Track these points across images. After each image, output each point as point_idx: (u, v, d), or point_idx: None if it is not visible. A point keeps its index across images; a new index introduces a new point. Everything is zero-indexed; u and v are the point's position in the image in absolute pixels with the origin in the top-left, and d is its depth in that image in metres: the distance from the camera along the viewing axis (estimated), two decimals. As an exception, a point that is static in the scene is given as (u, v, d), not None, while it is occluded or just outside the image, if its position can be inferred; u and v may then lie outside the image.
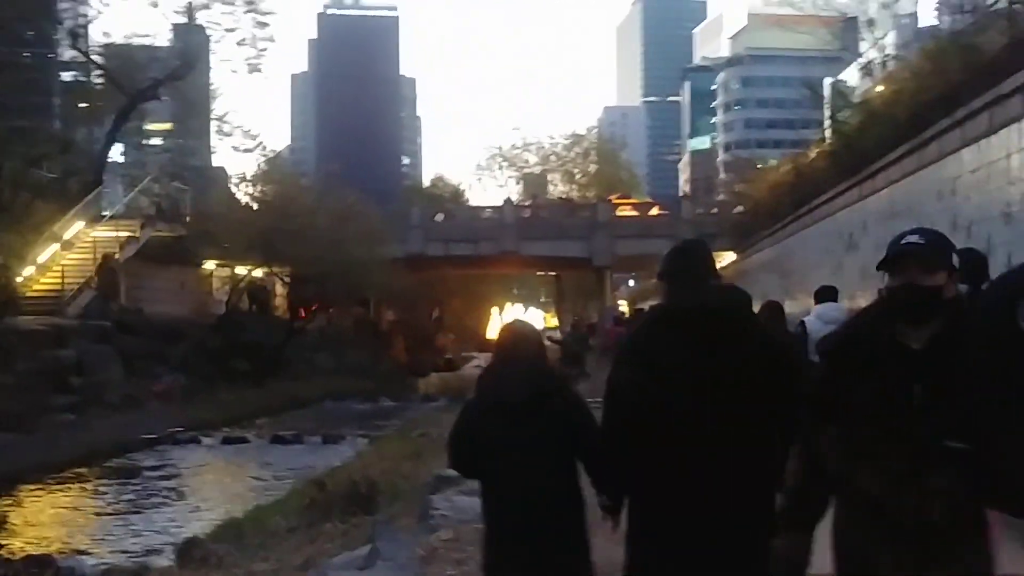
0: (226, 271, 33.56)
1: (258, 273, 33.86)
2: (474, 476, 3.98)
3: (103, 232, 28.16)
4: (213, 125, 59.45)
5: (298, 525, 9.45)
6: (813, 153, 22.82)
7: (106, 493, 13.99)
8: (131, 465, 16.50)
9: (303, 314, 34.10)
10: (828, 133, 22.31)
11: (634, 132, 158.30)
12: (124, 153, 40.20)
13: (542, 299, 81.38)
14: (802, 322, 8.61)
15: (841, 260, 19.06)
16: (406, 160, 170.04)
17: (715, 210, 39.35)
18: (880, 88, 19.22)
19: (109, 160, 34.76)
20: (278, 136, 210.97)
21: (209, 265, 32.52)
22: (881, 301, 2.78)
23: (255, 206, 29.37)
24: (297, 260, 28.84)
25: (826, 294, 8.98)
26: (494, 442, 3.68)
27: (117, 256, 27.78)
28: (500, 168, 58.07)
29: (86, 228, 27.89)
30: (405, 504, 9.47)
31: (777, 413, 2.95)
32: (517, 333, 3.95)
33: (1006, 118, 11.05)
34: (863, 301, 15.52)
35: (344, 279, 29.37)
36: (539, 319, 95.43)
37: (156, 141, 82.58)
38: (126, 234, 28.91)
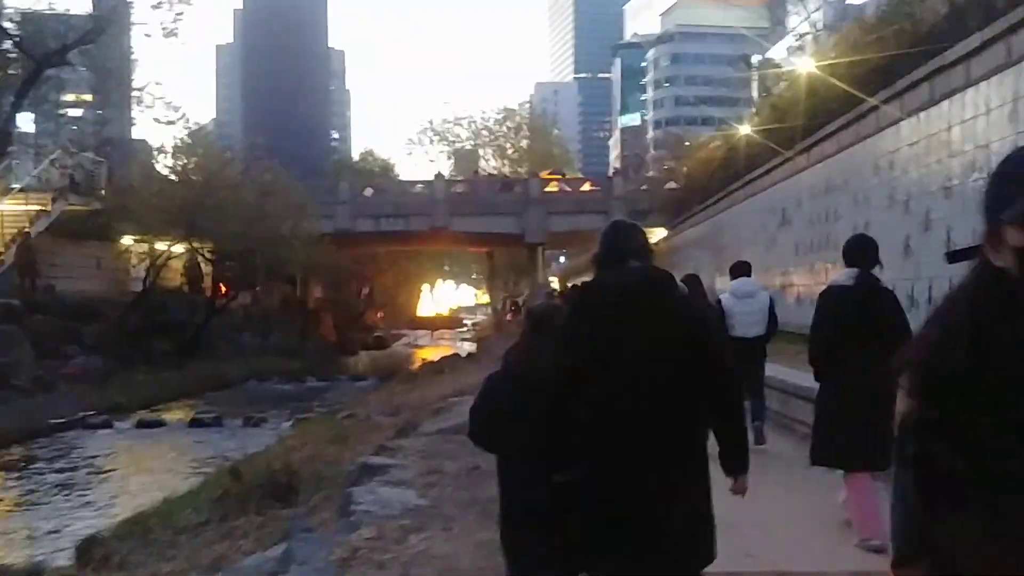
0: (145, 247, 32.24)
1: (179, 249, 32.59)
2: (492, 449, 4.02)
3: (11, 206, 26.71)
4: (134, 96, 57.61)
5: (210, 519, 8.79)
6: (745, 128, 22.56)
7: (3, 484, 13.06)
8: (34, 453, 15.54)
9: (225, 292, 32.95)
10: (761, 106, 22.08)
11: (566, 108, 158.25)
12: (36, 123, 38.15)
13: (474, 276, 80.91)
14: (719, 299, 9.14)
15: (775, 236, 18.88)
16: (335, 134, 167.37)
17: (646, 186, 39.19)
18: (814, 61, 18.98)
19: (21, 131, 33.07)
20: (203, 109, 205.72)
21: (127, 241, 31.14)
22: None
23: (175, 179, 27.90)
24: (219, 235, 27.73)
25: (740, 269, 9.44)
26: (513, 413, 3.74)
27: (28, 231, 26.42)
28: (431, 142, 57.18)
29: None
30: (327, 495, 8.86)
31: (697, 375, 3.24)
32: (549, 313, 4.01)
33: (948, 89, 10.80)
34: (796, 277, 15.14)
35: (268, 255, 28.38)
36: (471, 296, 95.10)
37: (76, 112, 79.87)
38: (36, 208, 27.48)
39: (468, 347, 43.29)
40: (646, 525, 3.21)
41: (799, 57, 20.76)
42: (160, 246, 33.00)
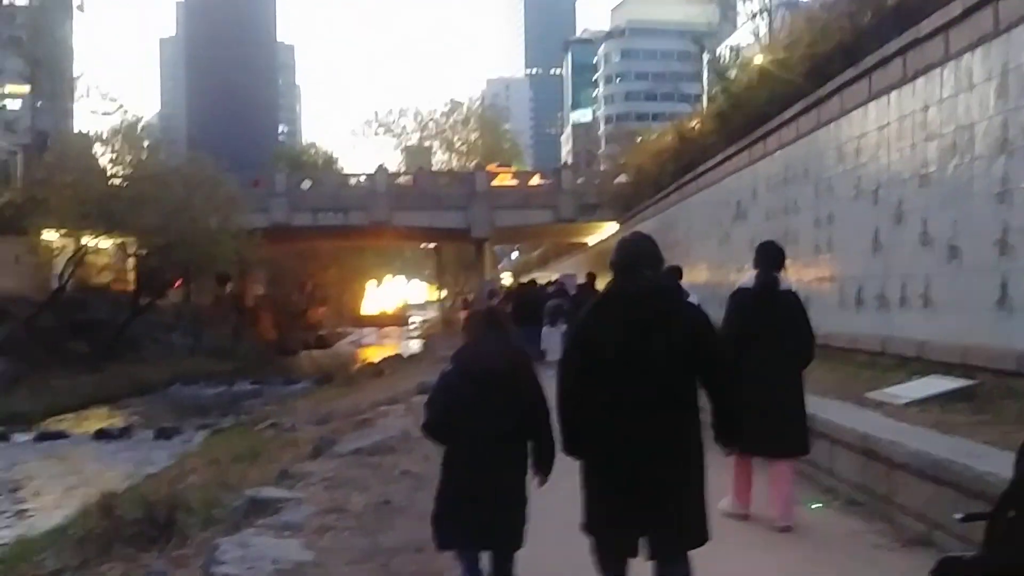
0: (69, 242, 30.26)
1: (106, 244, 30.69)
2: (443, 438, 4.50)
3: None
4: (72, 88, 55.09)
5: (65, 568, 7.32)
6: (698, 117, 21.43)
7: None
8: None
9: (147, 290, 31.11)
10: (714, 94, 20.91)
11: (517, 104, 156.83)
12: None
13: (427, 272, 79.02)
14: (697, 306, 8.76)
15: (728, 230, 17.71)
16: (283, 128, 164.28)
17: (596, 180, 37.97)
18: (769, 42, 17.87)
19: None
20: (148, 104, 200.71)
21: (50, 235, 29.15)
22: None
23: (92, 169, 26.04)
24: (139, 229, 25.93)
25: (671, 273, 9.49)
26: (471, 405, 4.33)
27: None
28: (376, 134, 55.47)
29: None
30: (203, 540, 7.43)
31: (700, 362, 3.88)
32: (492, 317, 4.68)
33: (923, 64, 9.64)
34: (751, 274, 13.98)
35: (193, 250, 26.64)
36: (422, 292, 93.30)
37: (14, 105, 76.91)
38: (-62, 200, 25.57)
39: (415, 345, 41.80)
40: (652, 506, 3.73)
41: (752, 39, 19.64)
42: (87, 241, 31.13)
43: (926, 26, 9.50)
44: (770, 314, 6.02)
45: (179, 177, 27.73)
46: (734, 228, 17.32)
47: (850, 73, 11.62)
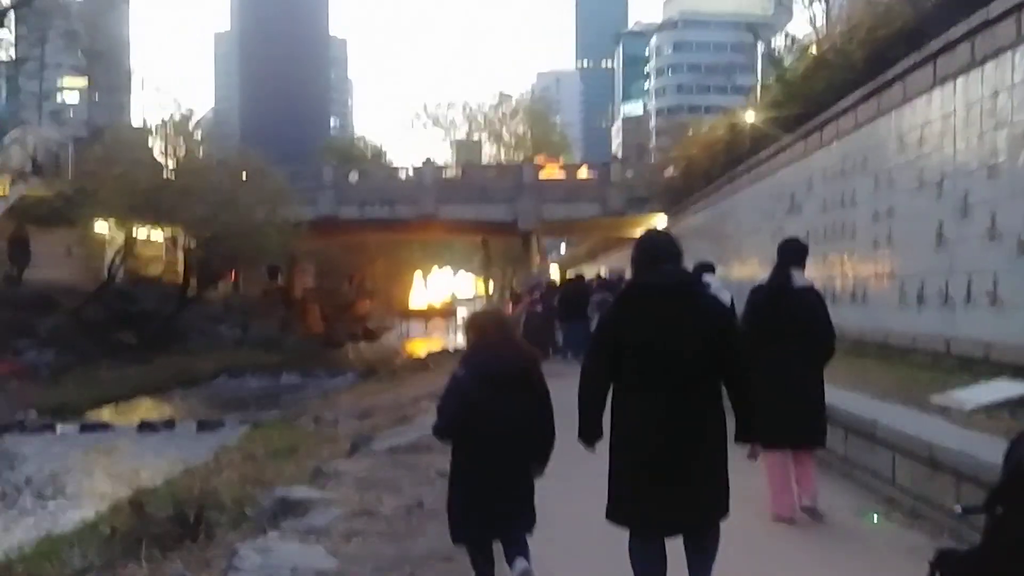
0: (121, 234, 30.50)
1: (157, 236, 30.92)
2: (455, 438, 4.63)
3: (-36, 189, 25.02)
4: (127, 82, 55.84)
5: (91, 566, 7.12)
6: (751, 107, 20.80)
7: None
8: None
9: (198, 281, 31.22)
10: (768, 83, 20.26)
11: (567, 97, 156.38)
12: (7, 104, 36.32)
13: (475, 265, 78.81)
14: (715, 296, 9.42)
15: (782, 224, 17.13)
16: (335, 122, 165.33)
17: (645, 173, 37.34)
18: (825, 35, 17.26)
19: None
20: (203, 98, 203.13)
21: (102, 227, 29.40)
22: None
23: (141, 161, 26.14)
24: (186, 220, 26.00)
25: (704, 268, 10.09)
26: (485, 409, 4.45)
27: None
28: (424, 127, 55.32)
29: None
30: (233, 539, 7.18)
31: (719, 354, 4.04)
32: (501, 321, 4.88)
33: (993, 48, 9.06)
34: (807, 269, 13.43)
35: (239, 242, 26.64)
36: (470, 286, 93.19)
37: (72, 98, 78.44)
38: (-8, 192, 25.85)
39: (461, 339, 41.57)
40: (680, 488, 3.93)
41: (809, 28, 18.97)
42: (136, 232, 31.36)
43: (996, 7, 8.94)
44: (785, 311, 6.10)
45: (226, 169, 27.77)
46: (788, 222, 16.75)
47: (913, 58, 11.05)
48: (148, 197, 24.74)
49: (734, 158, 21.58)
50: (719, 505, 4.09)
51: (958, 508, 3.36)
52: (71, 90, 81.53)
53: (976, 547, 3.11)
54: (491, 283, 59.61)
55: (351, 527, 6.39)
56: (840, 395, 8.61)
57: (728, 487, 4.12)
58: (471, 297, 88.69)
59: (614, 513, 4.11)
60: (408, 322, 59.04)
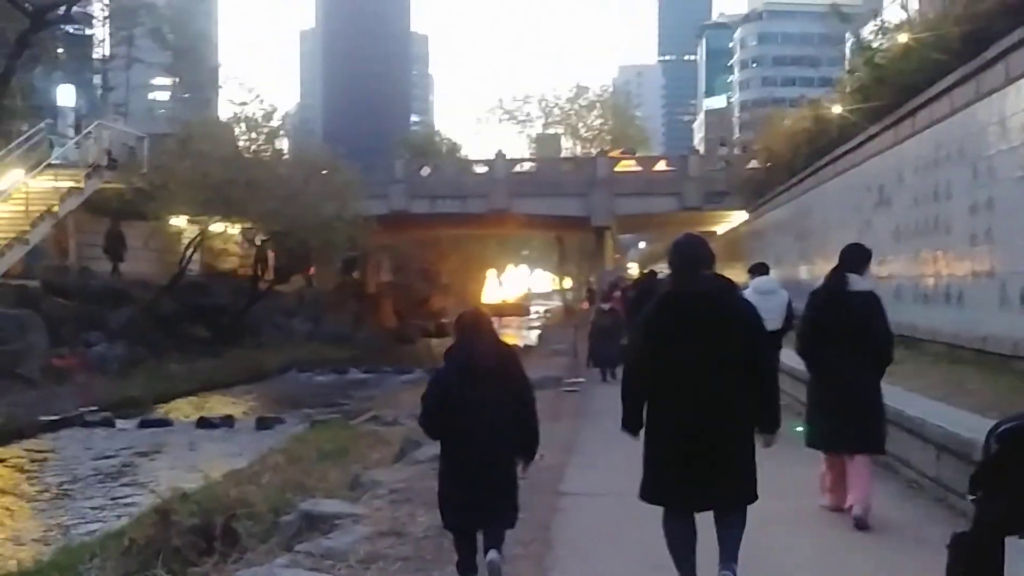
0: (195, 228, 30.65)
1: (234, 230, 30.95)
2: (438, 433, 4.99)
3: (41, 183, 25.22)
4: (214, 78, 56.63)
5: (105, 580, 6.65)
6: (837, 95, 19.58)
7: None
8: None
9: (271, 275, 31.18)
10: (855, 67, 18.97)
11: (649, 91, 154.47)
12: (79, 97, 36.92)
13: (551, 262, 78.10)
14: (749, 302, 9.33)
15: (869, 218, 16.01)
16: (416, 118, 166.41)
17: (724, 166, 36.08)
18: (918, 18, 16.04)
19: (61, 105, 31.89)
20: (288, 96, 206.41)
21: (179, 221, 29.52)
22: None
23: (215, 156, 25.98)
24: (255, 215, 25.85)
25: (760, 269, 10.39)
26: (465, 400, 4.74)
27: (55, 209, 24.96)
28: (500, 121, 54.77)
29: (26, 178, 25.05)
30: (256, 555, 6.64)
31: (749, 358, 4.45)
32: (479, 317, 5.13)
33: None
34: (896, 266, 12.29)
35: (309, 237, 26.41)
36: (546, 282, 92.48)
37: (163, 97, 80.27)
38: (68, 184, 26.00)
39: (533, 336, 40.97)
40: (708, 471, 4.40)
41: (902, 14, 17.70)
42: (216, 227, 31.47)
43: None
44: (841, 315, 6.17)
45: (295, 163, 27.59)
46: (876, 216, 15.62)
47: (1017, 35, 9.94)
48: (218, 191, 24.59)
49: (819, 149, 20.40)
50: (745, 490, 4.50)
51: (971, 498, 3.49)
52: (161, 88, 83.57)
53: (970, 529, 3.41)
54: (567, 279, 58.81)
55: (374, 550, 5.76)
56: (932, 408, 7.71)
57: (755, 475, 4.51)
58: (547, 292, 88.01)
59: (648, 494, 4.60)
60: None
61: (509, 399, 4.85)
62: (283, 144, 31.02)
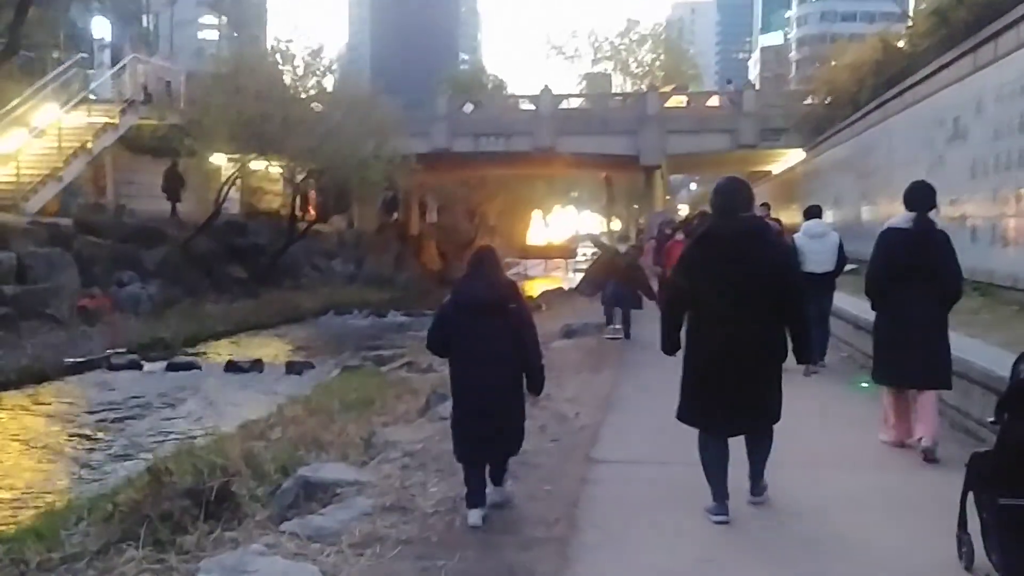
0: (232, 166, 29.93)
1: (260, 167, 30.17)
2: (442, 354, 5.27)
3: (75, 118, 24.64)
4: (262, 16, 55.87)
5: (84, 551, 5.96)
6: (908, 21, 18.12)
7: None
8: (21, 401, 13.26)
9: (312, 215, 30.49)
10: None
11: (703, 28, 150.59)
12: (116, 30, 36.12)
13: (600, 204, 76.58)
14: (792, 239, 9.93)
15: (942, 154, 14.72)
16: (465, 57, 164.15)
17: (782, 101, 34.31)
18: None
19: (97, 39, 31.20)
20: (336, 36, 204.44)
21: (218, 160, 28.82)
22: None
23: (239, 91, 24.98)
24: (291, 152, 25.02)
25: (812, 212, 10.38)
26: (464, 330, 5.01)
27: (90, 146, 24.41)
28: (548, 57, 53.07)
29: (59, 113, 24.50)
30: (263, 519, 5.90)
31: (781, 294, 4.86)
32: (485, 253, 5.30)
33: None
34: (972, 207, 11.05)
35: (347, 175, 25.57)
36: (596, 224, 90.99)
37: (212, 36, 79.78)
38: (103, 120, 25.41)
39: (579, 279, 39.97)
40: (740, 395, 4.88)
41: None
42: (257, 165, 30.77)
43: None
44: (924, 254, 6.19)
45: (333, 100, 26.63)
46: (949, 151, 14.34)
47: None
48: (252, 126, 23.80)
49: (885, 81, 19.01)
50: (771, 412, 4.99)
51: (990, 419, 3.91)
52: (210, 27, 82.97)
53: (994, 448, 3.74)
54: (616, 221, 57.44)
55: (373, 530, 4.97)
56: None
57: (780, 399, 5.00)
58: (597, 234, 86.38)
59: (685, 415, 5.07)
60: (528, 260, 57.58)
61: (508, 332, 5.02)
62: (328, 83, 29.86)
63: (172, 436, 10.89)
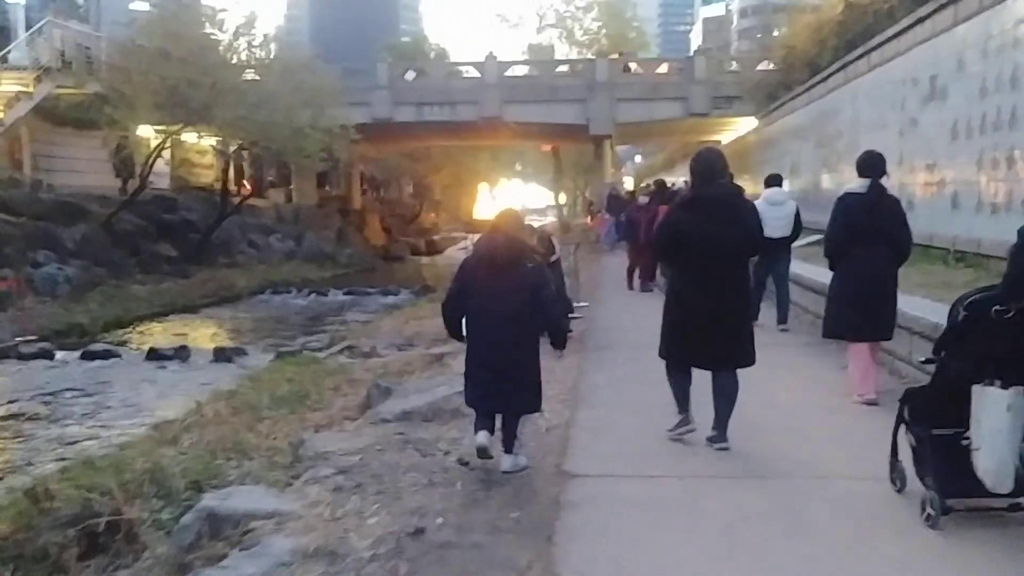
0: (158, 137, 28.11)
1: (192, 139, 28.52)
2: (457, 326, 5.43)
3: (-16, 87, 22.85)
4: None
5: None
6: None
7: None
8: None
9: (247, 189, 28.90)
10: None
11: (645, 0, 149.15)
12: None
13: (547, 176, 75.39)
14: (753, 206, 10.08)
15: (916, 116, 13.84)
16: (406, 28, 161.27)
17: (734, 66, 33.36)
18: None
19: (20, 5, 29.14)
20: (274, 6, 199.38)
21: (146, 131, 27.03)
22: None
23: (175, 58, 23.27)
24: (220, 122, 23.41)
25: (773, 181, 10.81)
26: (481, 285, 5.23)
27: (1, 116, 22.64)
28: (491, 26, 51.62)
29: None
30: (160, 556, 4.71)
31: (750, 251, 5.79)
32: (502, 216, 5.55)
33: None
34: (953, 171, 10.13)
35: (281, 146, 24.06)
36: (542, 197, 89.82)
37: (143, 7, 76.58)
38: (15, 89, 23.61)
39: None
40: (718, 337, 5.53)
41: None
42: (187, 138, 29.08)
43: None
44: (878, 217, 6.66)
45: (265, 67, 25.03)
46: (924, 113, 13.45)
47: None
48: (177, 94, 22.16)
49: (848, 42, 18.10)
50: (741, 354, 5.63)
51: (920, 359, 4.46)
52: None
53: (928, 384, 4.34)
54: (563, 194, 56.35)
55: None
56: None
57: (752, 343, 5.68)
58: (543, 208, 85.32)
59: (666, 355, 5.80)
60: (475, 234, 56.35)
61: (524, 290, 5.19)
62: (264, 53, 28.09)
63: (70, 442, 9.53)
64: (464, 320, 5.36)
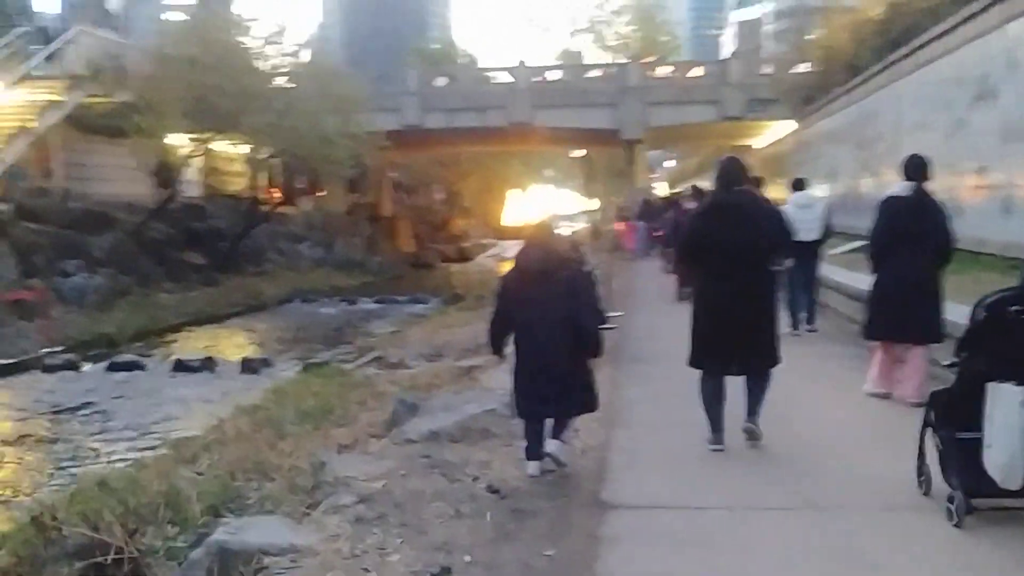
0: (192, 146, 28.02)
1: (223, 146, 28.35)
2: (500, 342, 5.53)
3: (16, 96, 22.78)
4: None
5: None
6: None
7: None
8: None
9: (277, 196, 28.74)
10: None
11: (675, 4, 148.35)
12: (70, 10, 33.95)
13: (579, 181, 74.87)
14: (775, 210, 10.02)
15: (964, 117, 13.29)
16: (436, 33, 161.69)
17: (770, 69, 32.71)
18: None
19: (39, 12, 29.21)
20: (311, 18, 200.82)
21: (178, 139, 26.94)
22: None
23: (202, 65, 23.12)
24: (248, 129, 23.23)
25: (798, 185, 10.95)
26: (524, 295, 5.33)
27: (32, 125, 22.59)
28: (522, 30, 51.35)
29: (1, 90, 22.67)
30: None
31: (772, 254, 5.77)
32: (537, 227, 5.74)
33: None
34: (1003, 175, 9.57)
35: (309, 153, 23.83)
36: (573, 203, 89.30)
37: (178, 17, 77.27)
38: (46, 98, 23.55)
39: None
40: (742, 341, 5.65)
41: None
42: (218, 146, 28.96)
43: None
44: (922, 220, 6.68)
45: (294, 74, 24.83)
46: (974, 113, 12.90)
47: None
48: (205, 101, 22.00)
49: (891, 41, 17.53)
50: (769, 358, 5.76)
51: (946, 363, 4.35)
52: (176, 8, 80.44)
53: (952, 386, 4.32)
54: (595, 200, 55.85)
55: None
56: None
57: (778, 345, 5.78)
58: (574, 214, 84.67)
59: (695, 362, 5.81)
60: (504, 241, 55.98)
61: (564, 297, 5.29)
62: (294, 60, 27.89)
63: (88, 459, 9.28)
64: (514, 331, 5.44)
